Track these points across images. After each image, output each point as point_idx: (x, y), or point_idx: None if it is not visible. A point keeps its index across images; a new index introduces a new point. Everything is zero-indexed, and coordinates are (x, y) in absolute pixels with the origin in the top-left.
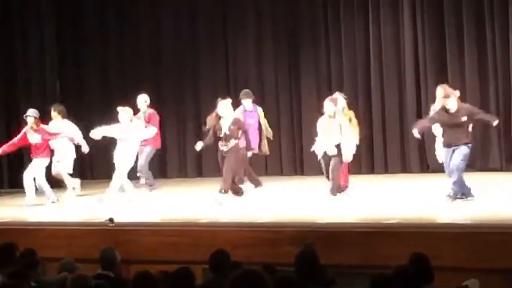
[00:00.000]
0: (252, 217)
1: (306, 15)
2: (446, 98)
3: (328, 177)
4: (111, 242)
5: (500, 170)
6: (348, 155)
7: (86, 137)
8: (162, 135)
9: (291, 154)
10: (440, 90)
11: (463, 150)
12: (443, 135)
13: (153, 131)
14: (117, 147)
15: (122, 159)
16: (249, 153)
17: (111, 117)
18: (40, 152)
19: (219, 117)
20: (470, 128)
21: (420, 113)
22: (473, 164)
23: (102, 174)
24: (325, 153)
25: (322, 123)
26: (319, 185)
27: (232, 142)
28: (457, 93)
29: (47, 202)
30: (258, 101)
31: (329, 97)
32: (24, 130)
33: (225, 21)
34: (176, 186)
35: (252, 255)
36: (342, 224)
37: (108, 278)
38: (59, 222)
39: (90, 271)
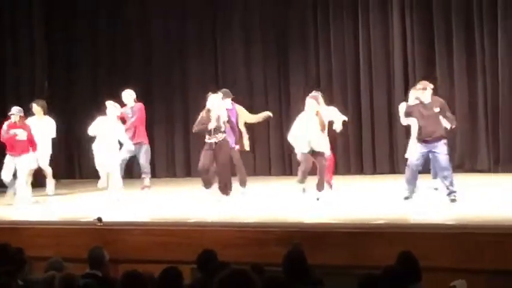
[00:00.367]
0: (240, 217)
1: (295, 16)
2: (423, 90)
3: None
4: (99, 242)
5: (489, 171)
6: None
7: (67, 135)
8: (151, 135)
9: (279, 154)
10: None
11: (443, 150)
12: (418, 129)
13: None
14: (101, 145)
15: (111, 157)
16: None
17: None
18: (25, 150)
19: (209, 111)
20: (448, 127)
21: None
22: (462, 165)
23: (90, 174)
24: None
25: (302, 120)
26: (307, 185)
27: (221, 135)
28: (432, 86)
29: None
30: (247, 100)
31: (310, 95)
32: (4, 126)
33: (214, 21)
34: (164, 186)
35: (241, 255)
36: (330, 224)
37: (96, 277)
38: (47, 222)
39: (78, 270)
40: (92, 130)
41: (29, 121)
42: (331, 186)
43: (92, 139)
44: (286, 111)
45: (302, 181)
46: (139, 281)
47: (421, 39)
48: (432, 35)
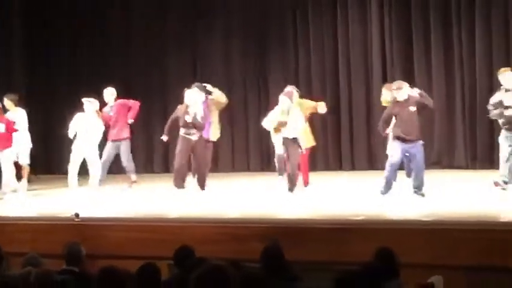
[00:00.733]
0: (218, 213)
1: (274, 14)
2: (398, 90)
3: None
4: (76, 237)
5: (466, 167)
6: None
7: (46, 131)
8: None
9: (258, 150)
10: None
11: (420, 152)
12: (395, 128)
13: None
14: (81, 141)
15: (92, 153)
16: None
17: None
18: (7, 144)
19: (187, 107)
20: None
21: None
22: (439, 162)
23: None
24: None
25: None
26: (286, 181)
27: (199, 132)
28: (407, 84)
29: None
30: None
31: (284, 91)
32: None
33: (193, 19)
34: (142, 182)
35: (218, 251)
36: (308, 220)
37: (73, 273)
38: (25, 217)
39: (55, 266)
40: (71, 131)
41: (9, 115)
42: (306, 184)
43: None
44: (265, 108)
45: (281, 173)
46: (116, 277)
47: (399, 35)
48: (410, 32)
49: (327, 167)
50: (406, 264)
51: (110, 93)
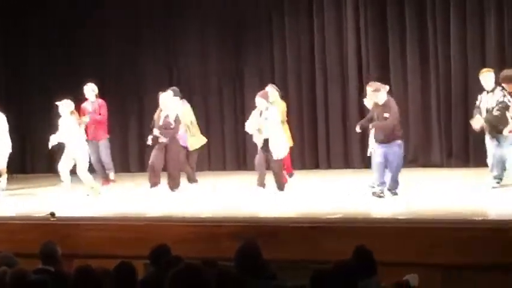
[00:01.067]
0: (194, 212)
1: (250, 15)
2: (376, 92)
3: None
4: (52, 237)
5: (442, 166)
6: (277, 152)
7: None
8: None
9: (234, 150)
10: (369, 88)
11: (394, 153)
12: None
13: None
14: (67, 145)
15: (79, 153)
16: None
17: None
18: None
19: (160, 110)
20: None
21: (362, 111)
22: (415, 160)
23: (42, 168)
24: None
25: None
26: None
27: (171, 134)
28: (387, 88)
29: None
30: (202, 99)
31: (260, 92)
32: None
33: (169, 18)
34: (118, 181)
35: (194, 250)
36: (285, 219)
37: (49, 273)
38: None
39: (31, 266)
40: (53, 139)
41: None
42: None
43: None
44: (241, 108)
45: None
46: (92, 276)
47: (374, 37)
48: (386, 33)
49: (304, 166)
50: (383, 262)
51: (90, 89)
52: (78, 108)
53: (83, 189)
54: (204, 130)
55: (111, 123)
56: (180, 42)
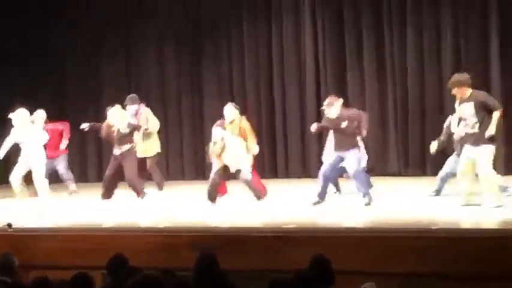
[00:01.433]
0: (152, 222)
1: (208, 21)
2: (329, 106)
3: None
4: (9, 248)
5: (399, 174)
6: (246, 173)
7: None
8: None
9: (192, 158)
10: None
11: (353, 155)
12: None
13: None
14: (24, 152)
15: (36, 161)
16: None
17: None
18: None
19: (109, 126)
20: (360, 137)
21: (320, 119)
22: (372, 169)
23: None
24: None
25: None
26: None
27: (127, 146)
28: (340, 101)
29: None
30: (160, 107)
31: (217, 122)
32: None
33: (128, 27)
34: (76, 191)
35: (152, 260)
36: (246, 228)
37: (6, 284)
38: None
39: None
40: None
41: None
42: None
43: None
44: (200, 116)
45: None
46: (49, 287)
47: (332, 45)
48: (343, 42)
49: (263, 176)
50: (341, 271)
51: (39, 116)
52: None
53: (41, 198)
54: (163, 139)
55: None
56: (139, 51)
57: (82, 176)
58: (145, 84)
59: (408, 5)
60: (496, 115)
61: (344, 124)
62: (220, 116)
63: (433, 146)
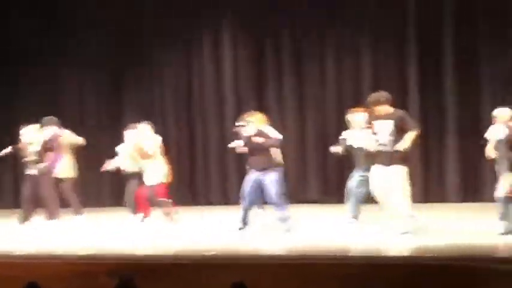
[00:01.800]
0: (69, 248)
1: (130, 51)
2: (246, 123)
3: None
4: None
5: (317, 202)
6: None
7: None
8: None
9: (110, 186)
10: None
11: (269, 183)
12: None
13: None
14: None
15: None
16: None
17: None
18: None
19: (24, 146)
20: (278, 156)
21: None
22: (292, 196)
23: None
24: None
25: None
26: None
27: (42, 165)
28: (258, 115)
29: None
30: (79, 130)
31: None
32: None
33: (51, 54)
34: None
35: None
36: (162, 256)
37: None
38: None
39: None
40: None
41: None
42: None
43: None
44: (119, 140)
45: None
46: None
47: (251, 74)
48: (263, 70)
49: (181, 202)
50: None
51: None
52: None
53: None
54: (82, 167)
55: None
56: (61, 82)
57: None
58: (67, 110)
59: (327, 36)
60: (413, 133)
61: (260, 139)
62: None
63: (335, 148)
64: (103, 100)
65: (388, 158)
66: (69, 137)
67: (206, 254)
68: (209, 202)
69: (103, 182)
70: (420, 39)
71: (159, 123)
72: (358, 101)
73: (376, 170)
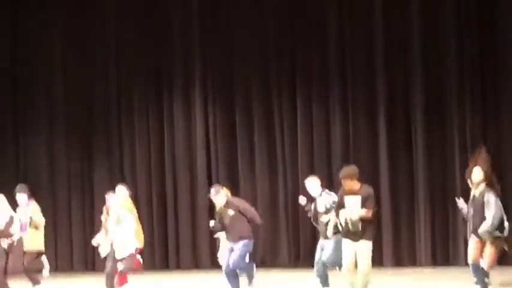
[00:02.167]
0: None
1: (99, 108)
2: (216, 195)
3: None
4: None
5: (289, 266)
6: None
7: None
8: None
9: (82, 249)
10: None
11: (239, 250)
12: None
13: None
14: None
15: None
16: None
17: None
18: None
19: None
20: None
21: (211, 208)
22: (263, 261)
23: None
24: None
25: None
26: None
27: (8, 241)
28: (223, 190)
29: None
30: (50, 197)
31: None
32: None
33: (17, 115)
34: None
35: None
36: None
37: None
38: None
39: None
40: None
41: None
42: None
43: None
44: (90, 204)
45: None
46: None
47: (223, 133)
48: (234, 129)
49: (153, 267)
50: None
51: None
52: None
53: None
54: (51, 230)
55: None
56: (28, 137)
57: None
58: (34, 177)
59: (298, 100)
60: (369, 212)
61: (231, 212)
62: None
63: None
64: (74, 157)
65: (359, 234)
66: (33, 214)
67: None
68: (179, 266)
69: (74, 246)
70: (389, 110)
71: (128, 177)
72: (329, 169)
73: (348, 243)
